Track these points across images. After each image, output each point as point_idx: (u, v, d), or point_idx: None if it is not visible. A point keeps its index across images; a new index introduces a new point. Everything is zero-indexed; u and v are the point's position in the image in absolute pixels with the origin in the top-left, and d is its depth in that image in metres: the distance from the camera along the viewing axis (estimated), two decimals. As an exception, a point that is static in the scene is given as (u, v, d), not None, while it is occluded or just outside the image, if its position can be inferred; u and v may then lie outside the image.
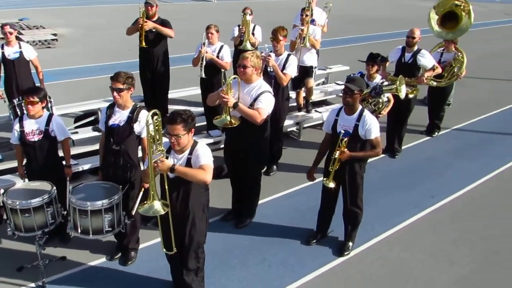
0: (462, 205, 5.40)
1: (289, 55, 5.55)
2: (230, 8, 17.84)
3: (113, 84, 3.80)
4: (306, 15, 6.61)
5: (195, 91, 6.95)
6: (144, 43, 6.26)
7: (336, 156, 3.93)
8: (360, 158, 4.08)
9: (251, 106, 4.22)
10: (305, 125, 7.39)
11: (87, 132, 5.91)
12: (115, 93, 3.80)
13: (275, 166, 6.05)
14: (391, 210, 5.22)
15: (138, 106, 4.01)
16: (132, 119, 3.88)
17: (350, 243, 4.44)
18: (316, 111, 7.33)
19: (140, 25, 6.12)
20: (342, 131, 3.94)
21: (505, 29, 20.07)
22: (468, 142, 7.35)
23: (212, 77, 5.99)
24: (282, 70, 5.36)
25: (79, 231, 3.60)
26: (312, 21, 6.87)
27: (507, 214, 5.24)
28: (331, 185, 4.11)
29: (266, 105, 4.24)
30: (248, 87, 4.29)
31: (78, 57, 11.48)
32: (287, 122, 6.80)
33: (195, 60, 6.01)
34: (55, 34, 13.36)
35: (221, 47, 6.06)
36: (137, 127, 3.90)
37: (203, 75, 5.90)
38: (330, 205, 4.45)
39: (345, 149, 3.91)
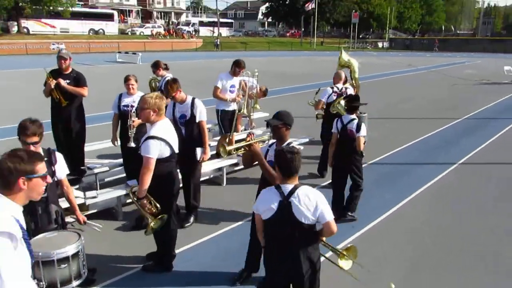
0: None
1: (193, 98, 5.50)
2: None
3: (27, 138, 3.58)
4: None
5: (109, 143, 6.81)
6: (64, 103, 6.10)
7: None
8: (263, 168, 3.90)
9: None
10: (229, 171, 7.47)
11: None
12: (31, 147, 3.57)
13: (192, 217, 5.67)
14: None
15: (49, 149, 3.85)
16: (51, 162, 3.73)
17: None
18: (238, 155, 7.45)
19: (51, 86, 6.02)
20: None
21: (409, 77, 24.79)
22: (383, 173, 7.87)
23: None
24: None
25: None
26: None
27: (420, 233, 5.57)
28: None
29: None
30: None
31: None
32: (210, 168, 6.88)
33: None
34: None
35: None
36: (58, 170, 3.78)
37: (132, 145, 5.67)
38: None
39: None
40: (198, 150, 5.49)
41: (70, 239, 3.33)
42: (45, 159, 3.62)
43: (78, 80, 6.25)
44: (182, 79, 5.49)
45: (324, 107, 7.58)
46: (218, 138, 7.43)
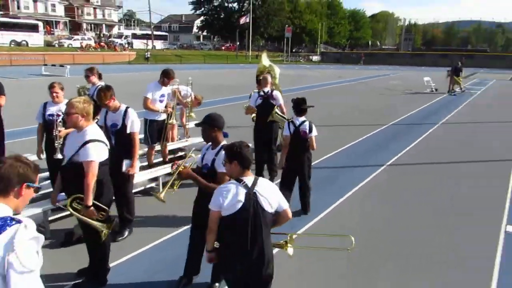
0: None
1: (127, 107, 5.28)
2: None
3: None
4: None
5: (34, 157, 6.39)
6: None
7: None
8: (201, 185, 3.94)
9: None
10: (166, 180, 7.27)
11: None
12: None
13: (126, 231, 5.37)
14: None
15: None
16: None
17: None
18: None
19: None
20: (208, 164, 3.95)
21: (339, 87, 26.79)
22: (320, 176, 8.03)
23: None
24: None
25: None
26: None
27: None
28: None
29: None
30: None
31: None
32: (144, 178, 6.66)
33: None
34: None
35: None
36: None
37: (59, 156, 5.25)
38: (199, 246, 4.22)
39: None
40: (125, 162, 5.24)
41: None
42: None
43: None
44: (115, 92, 5.27)
45: (255, 110, 7.61)
46: (146, 149, 7.26)
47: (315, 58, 71.26)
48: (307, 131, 5.93)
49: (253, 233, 3.07)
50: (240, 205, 3.04)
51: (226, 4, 77.10)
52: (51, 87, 5.68)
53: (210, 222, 3.19)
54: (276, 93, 7.61)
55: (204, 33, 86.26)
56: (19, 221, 1.98)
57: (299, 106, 6.05)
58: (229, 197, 3.06)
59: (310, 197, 6.24)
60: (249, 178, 3.15)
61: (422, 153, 10.21)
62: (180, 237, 5.27)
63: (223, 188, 3.15)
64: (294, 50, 76.80)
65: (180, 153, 8.40)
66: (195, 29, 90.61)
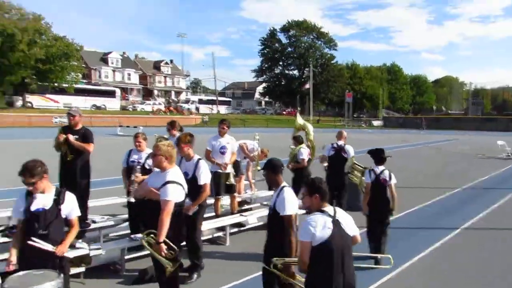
0: None
1: (199, 159, 5.59)
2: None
3: (25, 180, 3.75)
4: None
5: (115, 200, 6.82)
6: (69, 156, 6.21)
7: None
8: None
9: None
10: (232, 230, 7.36)
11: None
12: (30, 187, 3.78)
13: (195, 275, 5.53)
14: None
15: (61, 189, 3.97)
16: (58, 202, 3.84)
17: None
18: (241, 214, 7.41)
19: (60, 140, 6.18)
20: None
21: (404, 151, 26.07)
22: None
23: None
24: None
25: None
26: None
27: None
28: None
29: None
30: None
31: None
32: (210, 227, 6.79)
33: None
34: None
35: (149, 155, 6.10)
36: (64, 210, 3.87)
37: (131, 200, 5.65)
38: None
39: None
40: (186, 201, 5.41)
41: (48, 277, 3.37)
42: (54, 197, 3.80)
43: (85, 136, 6.39)
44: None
45: (328, 160, 8.35)
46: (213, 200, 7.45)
47: (377, 123, 70.64)
48: (387, 178, 6.25)
49: (342, 256, 3.29)
50: (330, 232, 3.27)
51: (286, 72, 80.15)
52: (135, 136, 6.19)
53: (302, 255, 3.34)
54: (348, 147, 8.25)
55: (266, 99, 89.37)
56: None
57: (379, 156, 6.45)
58: (319, 226, 3.28)
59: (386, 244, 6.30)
60: (328, 208, 3.42)
61: (499, 218, 9.50)
62: (248, 284, 5.26)
63: (311, 219, 3.34)
64: (355, 115, 76.87)
65: (246, 206, 8.52)
66: (257, 95, 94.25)
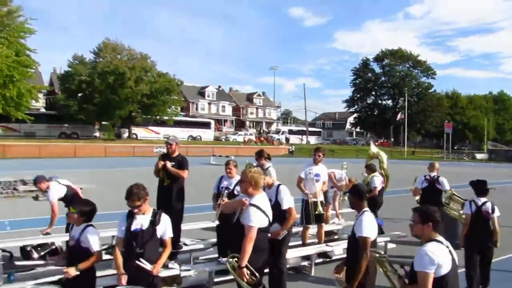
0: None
1: (279, 185, 5.70)
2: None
3: (130, 203, 4.13)
4: None
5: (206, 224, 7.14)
6: (166, 182, 6.74)
7: None
8: None
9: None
10: (318, 260, 7.25)
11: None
12: (135, 210, 4.15)
13: None
14: None
15: (157, 210, 4.30)
16: (154, 223, 4.17)
17: None
18: (327, 245, 7.30)
19: (159, 166, 6.74)
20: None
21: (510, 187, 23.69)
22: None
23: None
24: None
25: None
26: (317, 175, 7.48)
27: None
28: None
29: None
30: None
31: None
32: (295, 255, 6.77)
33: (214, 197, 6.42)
34: (81, 188, 14.18)
35: (238, 181, 6.35)
36: (159, 230, 4.19)
37: (216, 222, 6.02)
38: None
39: None
40: (273, 225, 5.39)
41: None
42: (151, 219, 4.11)
43: (181, 163, 6.85)
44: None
45: (420, 193, 8.13)
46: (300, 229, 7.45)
47: (481, 156, 64.86)
48: (490, 211, 5.93)
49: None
50: (451, 262, 3.27)
51: (379, 101, 77.95)
52: (227, 164, 6.54)
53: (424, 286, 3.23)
54: (442, 178, 8.00)
55: (357, 129, 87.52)
56: None
57: (482, 187, 6.12)
58: (441, 256, 3.24)
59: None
60: (441, 238, 3.37)
61: None
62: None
63: (432, 250, 3.25)
64: (455, 147, 71.67)
65: (334, 236, 8.37)
66: (348, 126, 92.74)
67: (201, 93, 74.97)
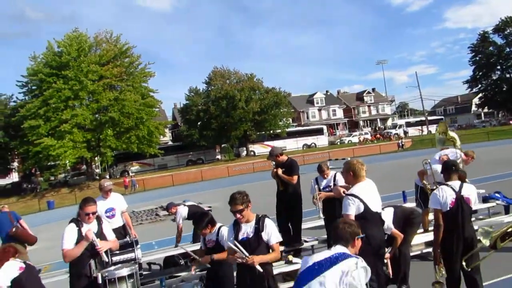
0: None
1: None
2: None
3: (233, 207, 4.24)
4: None
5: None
6: (281, 187, 7.30)
7: None
8: None
9: None
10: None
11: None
12: (237, 215, 4.25)
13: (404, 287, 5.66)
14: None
15: (260, 215, 4.34)
16: (258, 229, 4.23)
17: None
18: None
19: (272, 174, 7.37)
20: None
21: None
22: None
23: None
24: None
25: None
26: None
27: None
28: None
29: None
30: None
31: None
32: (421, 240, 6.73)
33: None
34: (210, 207, 15.62)
35: (335, 175, 7.32)
36: (265, 236, 4.20)
37: (322, 216, 7.12)
38: None
39: None
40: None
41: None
42: (255, 226, 4.28)
43: (289, 168, 7.26)
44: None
45: None
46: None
47: None
48: None
49: None
50: None
51: (507, 75, 69.74)
52: (319, 167, 7.49)
53: None
54: None
55: (485, 110, 79.30)
56: (356, 257, 2.96)
57: None
58: None
59: None
60: None
61: None
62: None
63: None
64: None
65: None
66: (474, 108, 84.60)
67: (310, 101, 75.57)
